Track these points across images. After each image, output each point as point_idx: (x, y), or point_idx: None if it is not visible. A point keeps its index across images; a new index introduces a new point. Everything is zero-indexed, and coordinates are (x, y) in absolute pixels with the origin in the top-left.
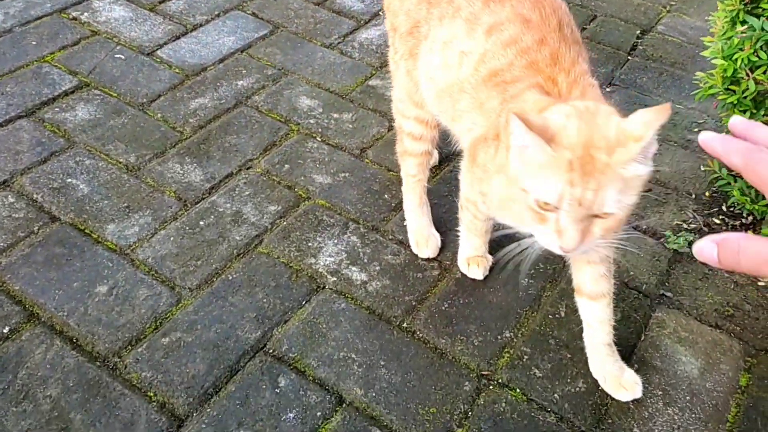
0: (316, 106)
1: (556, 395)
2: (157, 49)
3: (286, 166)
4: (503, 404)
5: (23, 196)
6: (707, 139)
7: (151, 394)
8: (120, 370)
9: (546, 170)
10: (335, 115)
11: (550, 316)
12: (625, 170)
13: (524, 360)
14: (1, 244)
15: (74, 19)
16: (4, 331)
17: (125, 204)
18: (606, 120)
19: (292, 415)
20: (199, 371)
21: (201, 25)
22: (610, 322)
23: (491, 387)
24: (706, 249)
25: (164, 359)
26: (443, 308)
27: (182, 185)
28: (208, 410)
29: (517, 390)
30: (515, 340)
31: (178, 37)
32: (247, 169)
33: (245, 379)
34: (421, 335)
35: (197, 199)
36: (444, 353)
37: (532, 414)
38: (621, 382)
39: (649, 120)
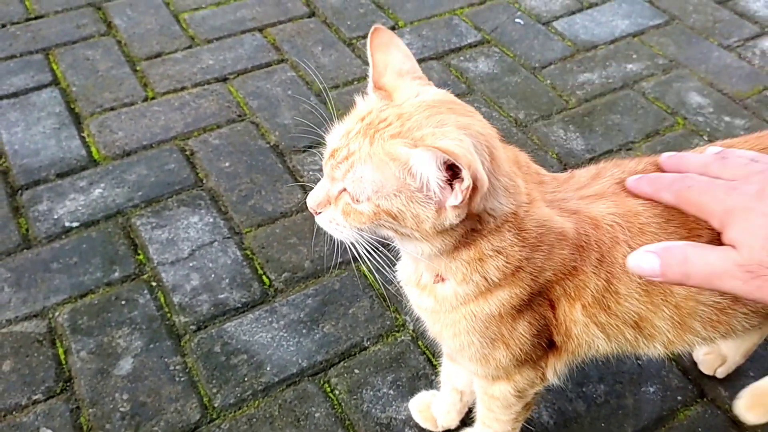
0: (707, 105)
1: None
2: (554, 20)
3: None
4: None
5: None
6: (633, 184)
7: None
8: None
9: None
10: (726, 118)
11: None
12: (388, 158)
13: None
14: None
15: None
16: None
17: None
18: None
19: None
20: None
21: (597, 5)
22: None
23: None
24: (645, 261)
25: None
26: None
27: (564, 150)
28: None
29: None
30: None
31: (574, 12)
32: (627, 150)
33: None
34: None
35: (577, 165)
36: None
37: None
38: None
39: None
